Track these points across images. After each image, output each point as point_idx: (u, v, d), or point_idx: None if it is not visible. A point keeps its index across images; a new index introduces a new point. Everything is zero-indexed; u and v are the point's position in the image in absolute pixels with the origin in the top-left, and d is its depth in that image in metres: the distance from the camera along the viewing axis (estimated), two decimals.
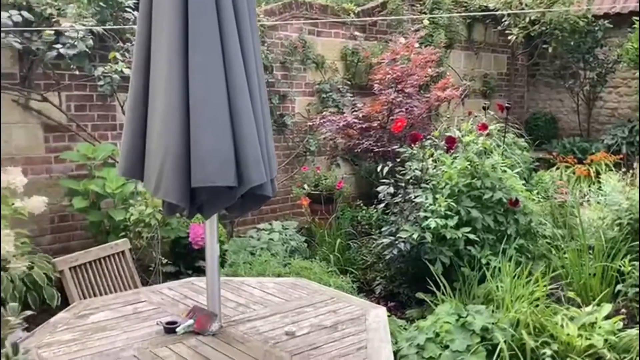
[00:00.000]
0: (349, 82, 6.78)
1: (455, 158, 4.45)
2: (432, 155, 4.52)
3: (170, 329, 2.46)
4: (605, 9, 8.33)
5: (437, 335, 3.21)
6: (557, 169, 6.63)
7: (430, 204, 4.13)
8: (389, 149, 5.58)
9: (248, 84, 2.22)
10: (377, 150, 5.81)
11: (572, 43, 8.18)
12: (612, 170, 6.31)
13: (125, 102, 4.52)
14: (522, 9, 7.78)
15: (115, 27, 4.60)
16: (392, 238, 4.32)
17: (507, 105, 5.15)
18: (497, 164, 4.44)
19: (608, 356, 3.06)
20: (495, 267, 3.90)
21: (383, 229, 4.60)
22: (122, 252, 3.61)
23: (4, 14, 3.94)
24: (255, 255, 4.73)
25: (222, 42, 2.15)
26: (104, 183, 4.37)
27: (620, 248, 4.29)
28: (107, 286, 3.45)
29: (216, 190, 2.22)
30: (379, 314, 2.67)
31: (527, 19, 7.88)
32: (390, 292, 4.53)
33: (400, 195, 4.45)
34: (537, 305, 3.45)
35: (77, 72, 4.59)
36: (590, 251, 4.35)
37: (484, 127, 4.51)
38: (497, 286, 3.73)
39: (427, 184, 4.36)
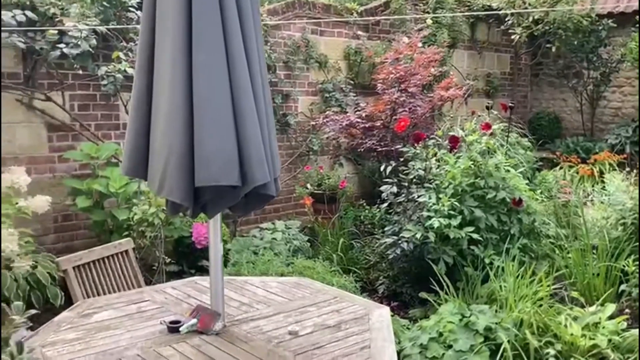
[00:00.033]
0: (352, 82, 6.78)
1: (458, 157, 4.44)
2: (435, 154, 4.52)
3: (173, 328, 2.46)
4: (609, 8, 8.31)
5: (441, 335, 3.21)
6: (561, 168, 6.62)
7: (434, 204, 4.13)
8: (392, 148, 5.57)
9: (252, 84, 2.22)
10: (380, 149, 5.81)
11: (575, 42, 8.15)
12: (615, 169, 6.29)
13: (128, 102, 4.53)
14: (526, 8, 7.77)
15: (118, 26, 4.60)
16: (395, 238, 4.32)
17: (510, 104, 5.13)
18: (501, 164, 4.43)
19: (612, 356, 3.05)
20: (498, 266, 3.89)
21: (386, 229, 4.60)
22: (126, 251, 3.61)
23: (8, 14, 3.94)
24: (258, 255, 4.73)
25: (225, 42, 2.15)
26: (107, 182, 4.38)
27: (624, 248, 4.27)
28: (111, 285, 3.46)
29: (220, 190, 2.22)
30: (382, 313, 2.67)
31: (531, 18, 7.86)
32: (393, 291, 4.53)
33: (403, 195, 4.44)
34: (541, 305, 3.44)
35: (80, 72, 4.59)
36: (594, 251, 4.34)
37: (488, 126, 4.50)
38: (500, 286, 3.73)
39: (431, 183, 4.35)
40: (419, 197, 4.24)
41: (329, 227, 5.48)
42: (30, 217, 3.71)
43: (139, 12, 4.56)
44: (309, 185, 5.99)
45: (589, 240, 4.36)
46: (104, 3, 4.49)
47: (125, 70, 4.38)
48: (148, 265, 4.46)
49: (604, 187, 5.37)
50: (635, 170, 5.36)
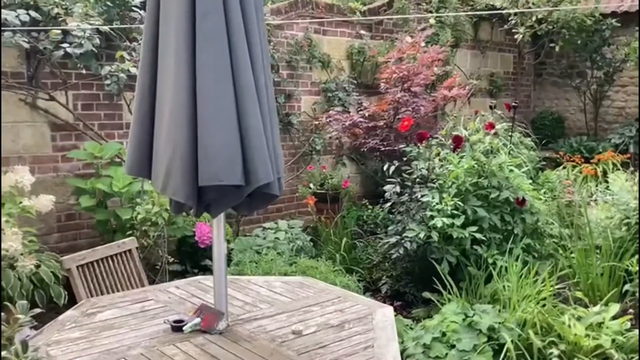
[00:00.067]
0: (354, 81, 6.78)
1: (462, 157, 4.44)
2: (438, 154, 4.51)
3: (177, 327, 2.47)
4: (612, 8, 8.28)
5: (444, 334, 3.21)
6: (564, 168, 6.60)
7: (437, 203, 4.12)
8: (395, 148, 5.57)
9: (255, 84, 2.22)
10: (383, 149, 5.80)
11: (579, 42, 8.12)
12: (619, 169, 6.27)
13: (132, 101, 4.53)
14: (529, 7, 7.75)
15: (122, 26, 4.61)
16: (398, 237, 4.32)
17: (514, 104, 5.13)
18: (504, 163, 4.42)
19: (616, 356, 3.04)
20: (502, 266, 3.88)
21: (389, 228, 4.59)
22: (129, 250, 3.62)
23: (12, 14, 3.95)
24: (261, 254, 4.73)
25: (229, 42, 2.15)
26: (110, 182, 4.39)
27: (628, 248, 4.26)
28: (114, 284, 3.46)
29: (223, 189, 2.22)
30: (385, 313, 2.67)
31: (534, 18, 7.85)
32: (397, 291, 4.53)
33: (406, 195, 4.44)
34: (544, 305, 3.44)
35: (84, 71, 4.61)
36: (598, 251, 4.33)
37: (491, 126, 4.50)
38: (503, 286, 3.72)
39: (434, 183, 4.35)
40: (422, 196, 4.24)
41: (332, 227, 5.48)
42: (34, 217, 3.72)
43: (142, 12, 4.57)
44: (311, 185, 5.99)
45: (592, 240, 4.35)
46: (107, 3, 4.50)
47: (128, 70, 4.38)
48: (151, 264, 4.47)
49: (608, 186, 5.35)
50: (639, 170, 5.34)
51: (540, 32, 8.00)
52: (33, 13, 4.11)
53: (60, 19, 4.34)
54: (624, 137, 7.95)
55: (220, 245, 2.52)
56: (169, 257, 4.42)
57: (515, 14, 7.84)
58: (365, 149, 6.04)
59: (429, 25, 6.93)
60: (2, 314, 1.60)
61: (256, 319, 2.61)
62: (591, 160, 7.08)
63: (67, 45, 4.22)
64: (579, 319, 3.34)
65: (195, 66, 2.13)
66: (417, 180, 4.44)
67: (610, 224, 4.66)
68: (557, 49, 8.16)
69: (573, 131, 9.13)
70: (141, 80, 2.35)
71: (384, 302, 3.95)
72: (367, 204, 6.13)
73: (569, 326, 3.24)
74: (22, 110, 4.45)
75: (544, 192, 5.32)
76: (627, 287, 4.02)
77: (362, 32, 6.89)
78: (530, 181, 4.81)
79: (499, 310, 3.41)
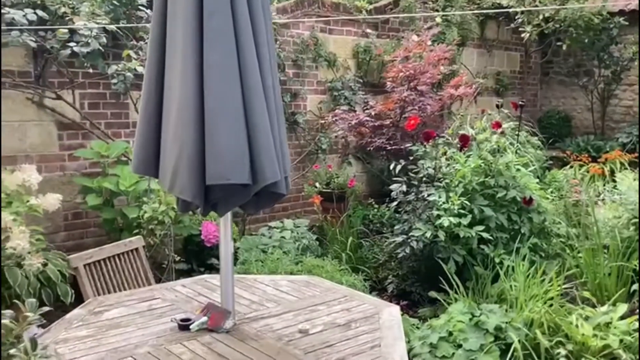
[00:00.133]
0: (360, 80, 6.76)
1: (468, 156, 4.42)
2: (445, 153, 4.50)
3: (184, 326, 2.47)
4: (620, 6, 8.22)
5: (450, 334, 3.20)
6: (571, 167, 6.57)
7: (444, 203, 4.11)
8: (402, 147, 5.55)
9: (262, 83, 2.22)
10: (389, 148, 5.79)
11: (586, 40, 8.08)
12: (627, 168, 6.24)
13: (138, 100, 4.54)
14: (536, 6, 7.72)
15: (128, 25, 4.62)
16: (405, 236, 4.31)
17: (521, 103, 5.11)
18: (511, 163, 4.40)
19: (624, 357, 3.03)
20: (508, 266, 3.87)
21: (395, 228, 4.58)
22: (136, 249, 3.63)
23: (20, 13, 3.96)
24: (267, 253, 4.73)
25: (237, 41, 2.15)
26: (117, 180, 4.40)
27: (635, 247, 4.23)
28: (121, 283, 3.47)
29: (230, 188, 2.22)
30: (392, 312, 2.66)
31: (541, 16, 7.81)
32: (403, 290, 4.52)
33: (413, 194, 4.43)
34: (552, 305, 3.42)
35: (90, 70, 4.62)
36: (606, 250, 4.31)
37: (498, 125, 4.48)
38: (510, 285, 3.71)
39: (440, 182, 4.34)
40: (428, 195, 4.23)
41: (338, 226, 5.48)
42: (41, 215, 3.74)
43: (148, 11, 4.58)
44: (317, 184, 5.99)
45: (600, 240, 4.33)
46: (114, 2, 4.51)
47: (135, 69, 4.39)
48: (157, 263, 4.48)
49: (615, 186, 5.32)
50: None
51: (547, 30, 7.96)
52: (40, 12, 4.12)
53: (67, 18, 4.35)
54: (631, 136, 7.90)
55: (227, 244, 2.52)
56: (176, 255, 4.43)
57: (522, 12, 7.81)
58: (372, 148, 6.03)
59: (435, 24, 6.92)
60: (12, 311, 1.60)
61: (263, 317, 2.61)
62: (598, 160, 7.04)
63: (74, 44, 4.22)
64: (586, 318, 3.33)
65: (202, 65, 2.13)
66: (424, 179, 4.42)
67: (618, 224, 4.63)
68: (564, 47, 8.12)
69: (580, 130, 9.09)
70: (148, 79, 2.35)
71: (390, 302, 3.94)
72: (373, 203, 6.12)
73: (577, 326, 3.22)
74: (29, 109, 4.47)
75: (551, 192, 5.30)
76: (635, 287, 4.00)
77: (368, 30, 6.88)
78: (537, 180, 4.79)
79: (506, 310, 3.40)
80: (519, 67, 9.16)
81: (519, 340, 3.10)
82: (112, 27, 4.42)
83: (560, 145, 8.48)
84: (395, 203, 4.62)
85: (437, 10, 7.32)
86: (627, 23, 7.95)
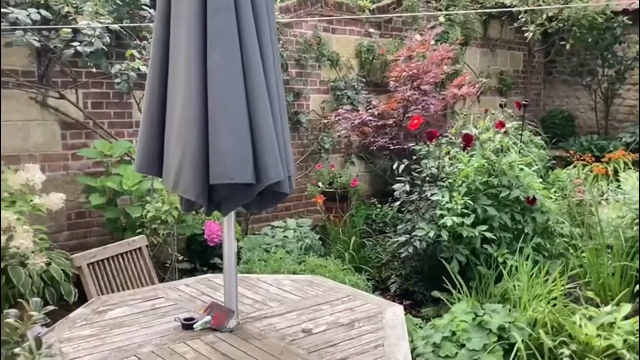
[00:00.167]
0: (363, 80, 6.76)
1: (472, 156, 4.42)
2: (448, 152, 4.50)
3: (187, 325, 2.47)
4: (624, 5, 8.19)
5: (454, 333, 3.20)
6: (575, 167, 6.56)
7: (447, 202, 4.11)
8: (405, 146, 5.55)
9: (266, 82, 2.21)
10: (392, 147, 5.79)
11: (590, 40, 8.06)
12: (631, 168, 6.22)
13: (141, 100, 4.55)
14: (539, 5, 7.70)
15: (132, 24, 4.62)
16: (408, 236, 4.30)
17: (524, 102, 5.10)
18: (514, 162, 4.40)
19: (627, 357, 3.02)
20: (512, 265, 3.86)
21: (398, 227, 4.58)
22: (140, 248, 3.63)
23: (24, 12, 3.97)
24: (270, 253, 4.74)
25: (240, 40, 2.15)
26: (120, 180, 4.40)
27: None
28: (125, 282, 3.47)
29: (234, 187, 2.22)
30: (395, 311, 2.66)
31: (544, 16, 7.79)
32: (406, 290, 4.52)
33: (416, 193, 4.43)
34: (555, 305, 3.42)
35: (94, 70, 4.62)
36: (609, 250, 4.30)
37: (501, 124, 4.47)
38: (514, 285, 3.70)
39: (444, 181, 4.33)
40: (431, 195, 4.22)
41: (341, 226, 5.48)
42: (45, 214, 3.75)
43: (152, 10, 4.58)
44: (320, 184, 5.99)
45: (603, 240, 4.32)
46: (117, 1, 4.51)
47: (138, 69, 4.40)
48: (160, 262, 4.48)
49: (619, 185, 5.31)
50: None
51: (550, 30, 7.94)
52: (44, 12, 4.13)
53: (71, 18, 4.35)
54: (635, 135, 7.88)
55: (231, 243, 2.52)
56: (179, 255, 4.43)
57: (525, 11, 7.79)
58: (375, 148, 6.03)
59: (438, 24, 6.91)
60: (16, 310, 1.61)
61: (266, 317, 2.61)
62: (602, 159, 7.02)
63: (78, 43, 4.23)
64: (590, 318, 3.32)
65: (206, 65, 2.13)
66: (427, 178, 4.42)
67: (622, 224, 4.62)
68: (567, 47, 8.10)
69: (583, 130, 9.07)
70: (151, 78, 2.35)
71: (393, 301, 3.94)
72: (376, 202, 6.12)
73: (580, 326, 3.21)
74: (32, 108, 4.48)
75: (555, 191, 5.28)
76: (638, 287, 3.99)
77: (371, 30, 6.87)
78: (541, 180, 4.78)
79: (509, 310, 3.40)
80: (522, 66, 9.15)
81: (523, 340, 3.09)
82: (116, 26, 4.43)
83: (564, 144, 8.46)
84: (398, 203, 4.62)
85: (440, 10, 7.32)
86: (630, 22, 7.92)
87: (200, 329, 2.45)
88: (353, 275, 4.46)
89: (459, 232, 4.01)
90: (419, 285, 4.45)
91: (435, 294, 4.03)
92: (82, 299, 3.25)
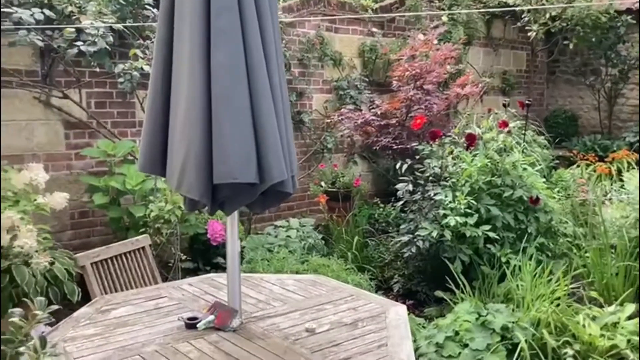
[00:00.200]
0: (366, 79, 6.76)
1: (475, 155, 4.41)
2: (451, 152, 4.49)
3: (191, 324, 2.47)
4: (627, 4, 8.16)
5: (457, 333, 3.19)
6: (578, 166, 6.54)
7: (450, 202, 4.10)
8: (408, 146, 5.55)
9: (270, 82, 2.22)
10: (395, 147, 5.78)
11: (593, 39, 8.03)
12: (634, 168, 6.20)
13: (145, 99, 4.55)
14: (543, 4, 7.68)
15: (135, 24, 4.63)
16: (411, 236, 4.30)
17: (527, 102, 5.09)
18: (518, 162, 4.39)
19: (631, 357, 3.01)
20: (515, 265, 3.85)
21: (401, 227, 4.58)
22: (143, 247, 3.63)
23: (27, 12, 3.98)
24: (272, 252, 4.74)
25: (244, 40, 2.15)
26: (124, 179, 4.41)
27: None
28: (128, 282, 3.48)
29: (237, 187, 2.22)
30: (399, 311, 2.66)
31: (548, 15, 7.77)
32: (409, 290, 4.51)
33: (419, 193, 4.42)
34: (558, 305, 3.41)
35: (97, 70, 4.63)
36: (613, 250, 4.29)
37: (505, 124, 4.46)
38: (517, 285, 3.70)
39: (447, 181, 4.33)
40: (435, 195, 4.22)
41: (344, 225, 5.48)
42: (48, 214, 3.75)
43: (155, 10, 4.58)
44: (323, 183, 5.99)
45: (607, 240, 4.31)
46: (121, 1, 4.51)
47: (142, 68, 4.40)
48: (164, 262, 4.49)
49: (623, 185, 5.30)
50: None
51: (553, 29, 7.92)
52: (47, 11, 4.13)
53: (74, 17, 4.36)
54: (638, 135, 7.85)
55: (234, 243, 2.52)
56: (182, 254, 4.43)
57: (529, 11, 7.77)
58: (377, 147, 6.02)
59: (441, 23, 6.90)
60: (21, 310, 1.61)
61: (269, 316, 2.62)
62: (605, 159, 7.01)
63: (81, 43, 4.24)
64: (593, 318, 3.31)
65: (209, 64, 2.13)
66: (430, 178, 4.42)
67: (626, 223, 4.60)
68: (570, 46, 8.07)
69: (587, 129, 9.05)
70: (154, 78, 2.35)
71: (396, 301, 3.93)
72: (379, 202, 6.12)
73: (584, 326, 3.21)
74: (36, 108, 4.49)
75: (558, 191, 5.28)
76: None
77: (374, 29, 6.86)
78: (544, 180, 4.77)
79: (513, 310, 3.39)
80: (526, 66, 9.13)
81: (526, 340, 3.09)
82: (119, 26, 4.43)
83: (567, 144, 8.44)
84: (401, 202, 4.62)
85: (443, 9, 7.31)
86: (634, 21, 7.90)
87: (204, 329, 2.45)
88: (356, 275, 4.46)
89: (462, 231, 4.00)
90: (422, 285, 4.45)
91: (439, 293, 4.03)
92: (86, 298, 3.25)
